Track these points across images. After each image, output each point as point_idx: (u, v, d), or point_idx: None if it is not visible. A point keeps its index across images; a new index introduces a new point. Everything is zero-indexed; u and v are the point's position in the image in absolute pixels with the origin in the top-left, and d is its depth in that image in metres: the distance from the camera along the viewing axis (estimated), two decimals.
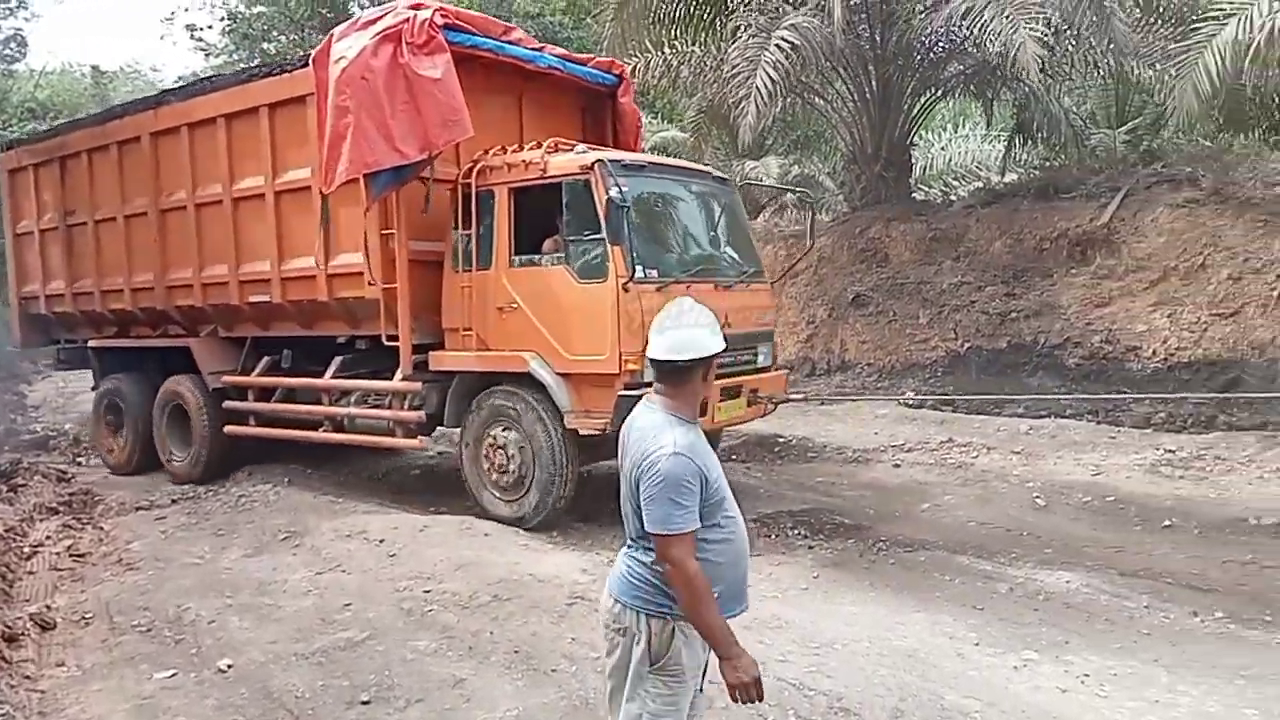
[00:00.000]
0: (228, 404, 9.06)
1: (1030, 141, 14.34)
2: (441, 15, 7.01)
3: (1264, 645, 4.83)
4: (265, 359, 8.98)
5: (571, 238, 6.86)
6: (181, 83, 14.30)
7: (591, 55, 9.19)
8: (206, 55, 25.01)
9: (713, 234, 7.84)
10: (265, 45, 22.87)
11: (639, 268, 6.53)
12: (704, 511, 2.51)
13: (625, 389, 6.53)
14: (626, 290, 6.52)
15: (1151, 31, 12.10)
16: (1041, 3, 10.18)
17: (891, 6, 12.43)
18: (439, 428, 7.83)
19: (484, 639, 4.85)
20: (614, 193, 6.39)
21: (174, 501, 8.49)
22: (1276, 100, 12.34)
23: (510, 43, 7.74)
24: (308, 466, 9.12)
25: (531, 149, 7.22)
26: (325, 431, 8.41)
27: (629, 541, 2.70)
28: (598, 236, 6.67)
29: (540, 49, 8.11)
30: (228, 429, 9.06)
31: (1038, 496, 7.79)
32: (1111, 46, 11.17)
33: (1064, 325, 10.66)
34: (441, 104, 6.82)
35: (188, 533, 7.39)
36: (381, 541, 6.51)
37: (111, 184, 9.75)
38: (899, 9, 12.31)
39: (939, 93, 14.09)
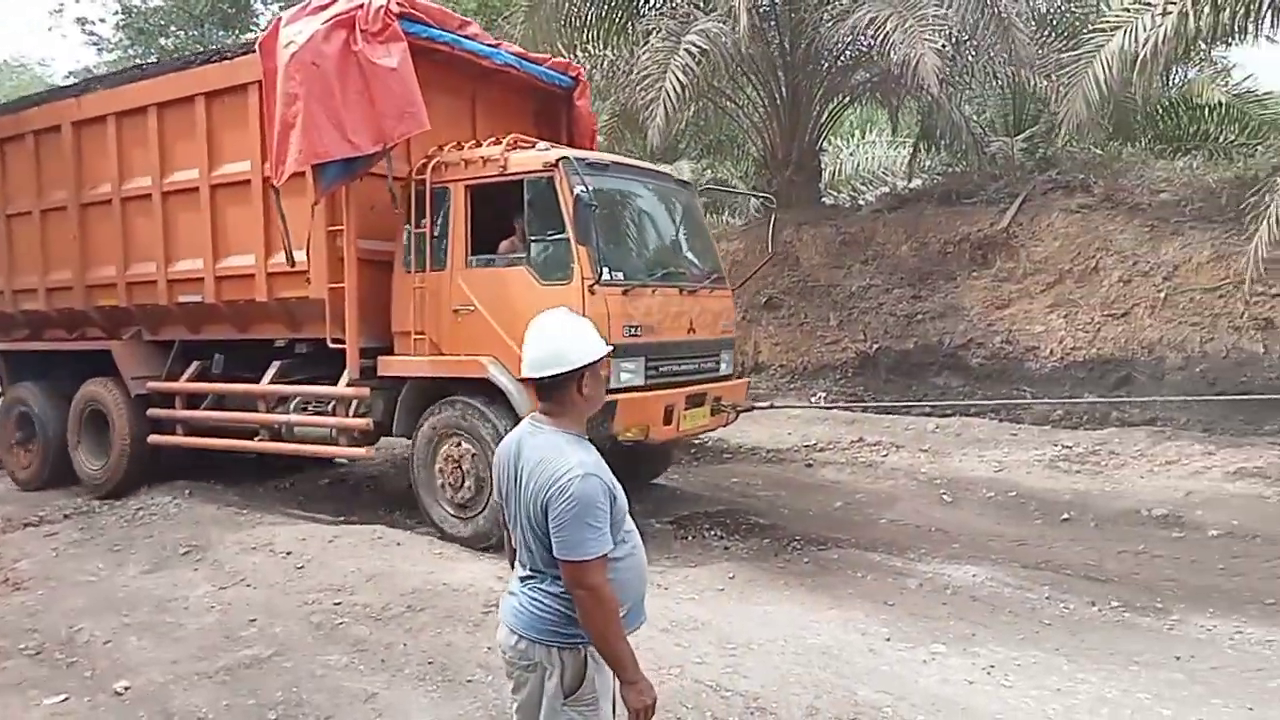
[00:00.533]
0: (152, 412, 8.49)
1: (934, 148, 14.77)
2: (398, 4, 6.71)
3: (1156, 632, 5.05)
4: (195, 364, 8.45)
5: (533, 238, 6.57)
6: (74, 78, 13.46)
7: (548, 55, 8.96)
8: (99, 50, 23.95)
9: (674, 237, 7.67)
10: (163, 41, 22.04)
11: (604, 269, 6.30)
12: (611, 529, 2.43)
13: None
14: (593, 292, 6.25)
15: (1045, 44, 12.58)
16: (942, 15, 10.49)
17: (800, 15, 12.65)
18: (383, 437, 7.55)
19: (397, 651, 4.74)
20: (581, 191, 6.18)
21: (66, 517, 8.07)
22: (1160, 110, 12.99)
23: (467, 37, 7.44)
24: (213, 478, 8.78)
25: (491, 144, 6.92)
26: (261, 440, 7.89)
27: (530, 572, 2.55)
28: (561, 236, 6.40)
29: (497, 45, 7.84)
30: (152, 438, 8.48)
31: (944, 493, 8.02)
32: (1010, 57, 11.57)
33: (967, 326, 11.00)
34: (397, 95, 6.53)
35: (80, 549, 7.03)
36: (289, 553, 6.31)
37: (27, 176, 9.10)
38: (807, 17, 12.53)
39: (846, 100, 14.39)
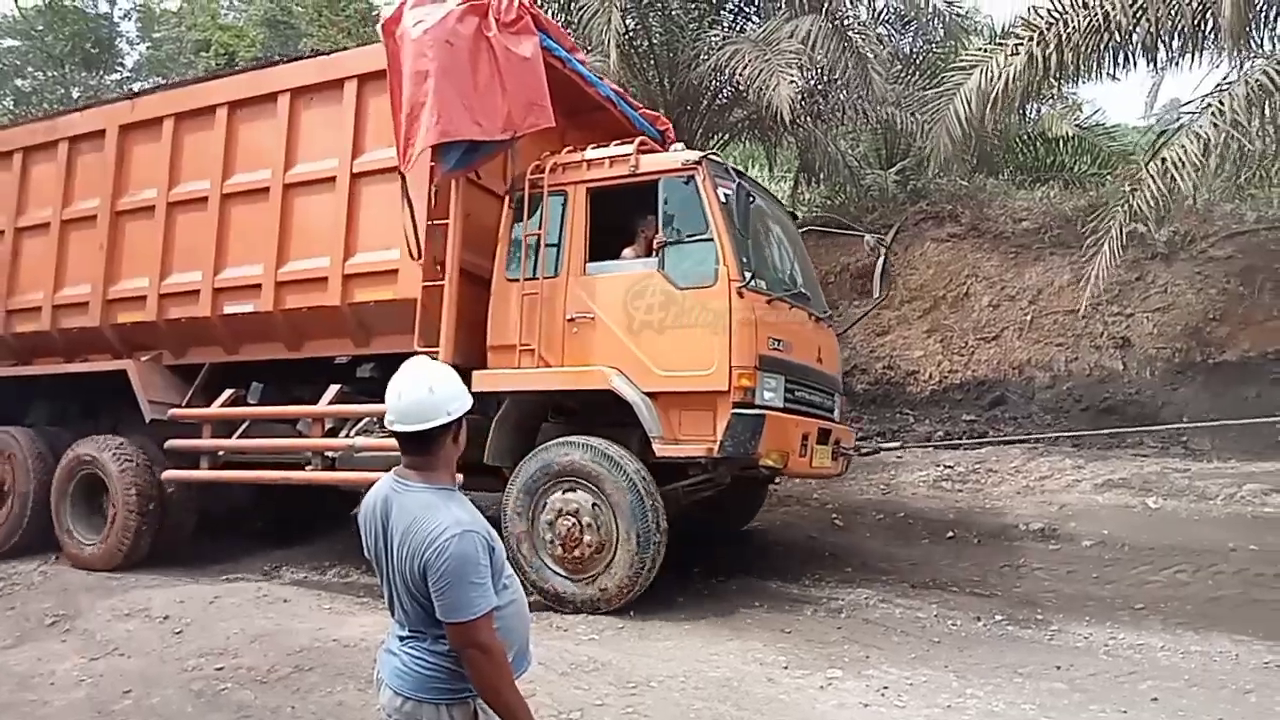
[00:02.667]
0: (173, 443, 7.47)
1: (813, 181, 15.26)
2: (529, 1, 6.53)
3: (1038, 643, 5.27)
4: (228, 392, 7.57)
5: (670, 240, 6.16)
6: None
7: (641, 105, 8.37)
8: None
9: (794, 263, 7.14)
10: (19, 82, 20.99)
11: (748, 274, 5.92)
12: (492, 580, 2.37)
13: (738, 407, 5.83)
14: (741, 296, 5.87)
15: (911, 82, 13.20)
16: (803, 51, 10.84)
17: (675, 54, 12.93)
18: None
19: (285, 715, 4.53)
20: (728, 191, 5.93)
21: None
22: (1019, 144, 13.77)
23: (579, 61, 7.13)
24: None
25: (619, 145, 6.53)
26: (313, 470, 7.01)
27: (410, 632, 2.45)
28: (704, 238, 6.03)
29: (601, 78, 7.50)
30: (167, 475, 7.45)
31: (836, 517, 8.21)
32: (868, 95, 12.04)
33: (851, 353, 11.34)
34: (529, 85, 6.27)
35: None
36: (166, 618, 5.98)
37: (51, 186, 8.39)
38: (680, 56, 12.82)
39: (726, 137, 14.75)
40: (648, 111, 8.12)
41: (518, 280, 6.47)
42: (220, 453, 7.42)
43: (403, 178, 6.44)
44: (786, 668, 4.98)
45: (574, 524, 6.00)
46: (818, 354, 6.71)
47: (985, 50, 11.08)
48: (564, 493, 6.05)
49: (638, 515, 5.84)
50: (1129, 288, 9.36)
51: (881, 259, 6.84)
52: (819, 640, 5.40)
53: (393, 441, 6.59)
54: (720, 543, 7.72)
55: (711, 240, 6.00)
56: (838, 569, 6.85)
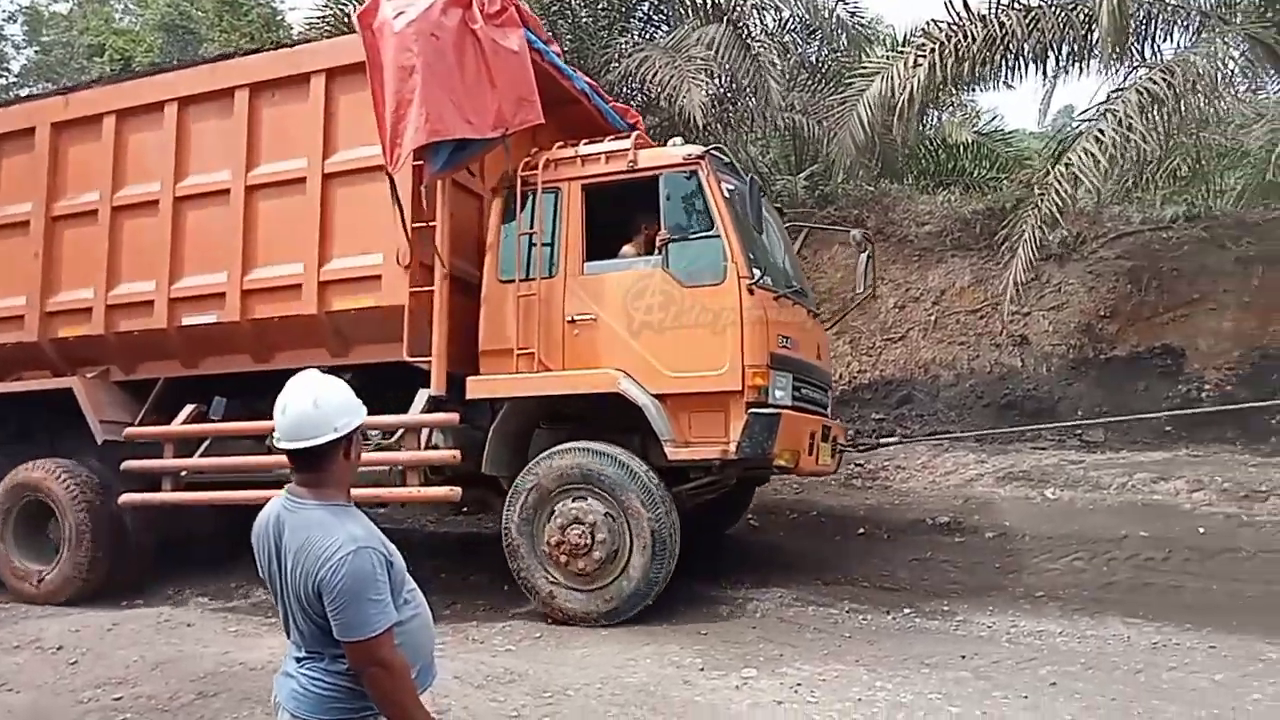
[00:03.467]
0: (131, 464, 6.93)
1: None
2: None
3: (944, 634, 5.43)
4: (189, 407, 7.07)
5: (674, 237, 5.99)
6: None
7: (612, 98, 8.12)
8: None
9: (786, 258, 7.01)
10: None
11: (757, 271, 5.83)
12: (392, 596, 2.33)
13: (753, 406, 5.71)
14: (751, 294, 5.75)
15: (816, 89, 13.48)
16: (709, 59, 10.99)
17: (585, 61, 12.96)
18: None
19: None
20: (730, 186, 5.79)
21: None
22: (921, 150, 14.18)
23: (555, 53, 6.86)
24: None
25: (614, 140, 6.37)
26: None
27: (306, 654, 2.39)
28: (710, 235, 5.90)
29: (574, 70, 7.26)
30: (125, 499, 6.91)
31: (751, 518, 8.31)
32: (766, 102, 12.24)
33: None
34: (518, 80, 6.02)
35: None
36: (59, 648, 5.71)
37: None
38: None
39: None
40: (618, 105, 7.92)
41: (512, 281, 6.24)
42: (183, 473, 6.99)
43: (390, 180, 6.08)
44: (703, 670, 5.02)
45: (585, 533, 5.82)
46: (817, 350, 6.70)
47: (887, 59, 11.40)
48: (573, 501, 5.87)
49: (653, 522, 5.72)
50: (1026, 288, 9.70)
51: (866, 253, 6.87)
52: (735, 641, 5.47)
53: (384, 455, 6.07)
54: (707, 547, 7.68)
55: (718, 237, 5.88)
56: (754, 569, 6.93)
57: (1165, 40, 10.24)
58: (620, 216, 6.25)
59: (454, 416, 6.11)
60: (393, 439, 6.36)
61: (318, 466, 2.37)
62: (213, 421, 7.01)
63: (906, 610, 5.81)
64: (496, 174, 6.60)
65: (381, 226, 6.26)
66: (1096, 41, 10.58)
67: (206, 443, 6.98)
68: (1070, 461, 8.29)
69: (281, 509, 2.41)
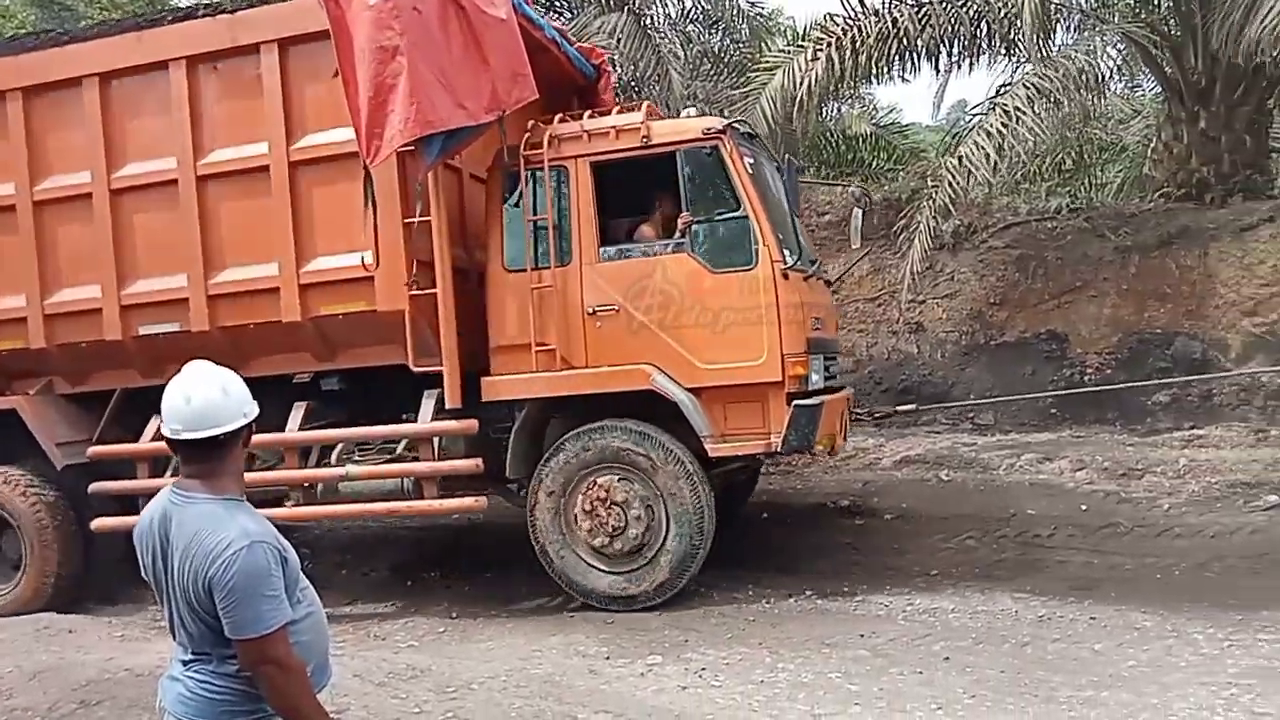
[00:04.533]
0: (100, 486, 6.32)
1: None
2: None
3: (844, 614, 5.55)
4: (159, 419, 6.35)
5: (698, 219, 5.65)
6: None
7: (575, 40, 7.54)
8: None
9: (796, 224, 6.48)
10: None
11: (786, 253, 5.52)
12: (286, 593, 2.25)
13: (796, 396, 5.49)
14: (786, 278, 5.47)
15: (720, 80, 13.60)
16: (609, 47, 10.95)
17: None
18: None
19: None
20: (751, 159, 5.51)
21: None
22: (822, 141, 14.45)
23: (525, 1, 6.22)
24: None
25: (620, 112, 5.93)
26: (295, 506, 6.12)
27: (193, 655, 2.30)
28: (737, 215, 5.56)
29: (543, 16, 6.70)
30: (98, 524, 6.26)
31: None
32: (666, 92, 12.31)
33: None
34: (510, 53, 5.49)
35: None
36: None
37: None
38: None
39: None
40: (583, 45, 7.41)
41: (521, 271, 5.78)
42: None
43: (367, 173, 5.50)
44: (609, 658, 5.04)
45: (619, 514, 5.62)
46: (833, 323, 6.50)
47: (787, 51, 11.57)
48: (609, 480, 5.64)
49: (689, 503, 5.55)
50: (921, 277, 9.99)
51: (860, 210, 6.83)
52: (641, 628, 5.49)
53: (393, 468, 5.76)
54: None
55: (746, 217, 5.56)
56: None
57: (1049, 38, 10.64)
58: (630, 194, 5.90)
59: (473, 424, 5.73)
60: (398, 448, 6.04)
61: (218, 457, 2.29)
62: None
63: (808, 592, 5.93)
64: (486, 150, 6.07)
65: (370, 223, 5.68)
66: (986, 37, 10.99)
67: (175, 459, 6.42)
68: (963, 444, 8.57)
69: (168, 504, 2.31)
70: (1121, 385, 8.62)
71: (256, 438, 6.24)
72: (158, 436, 6.12)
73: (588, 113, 6.14)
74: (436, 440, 5.89)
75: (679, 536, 5.59)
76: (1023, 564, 6.26)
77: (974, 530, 6.83)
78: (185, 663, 2.32)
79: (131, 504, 6.18)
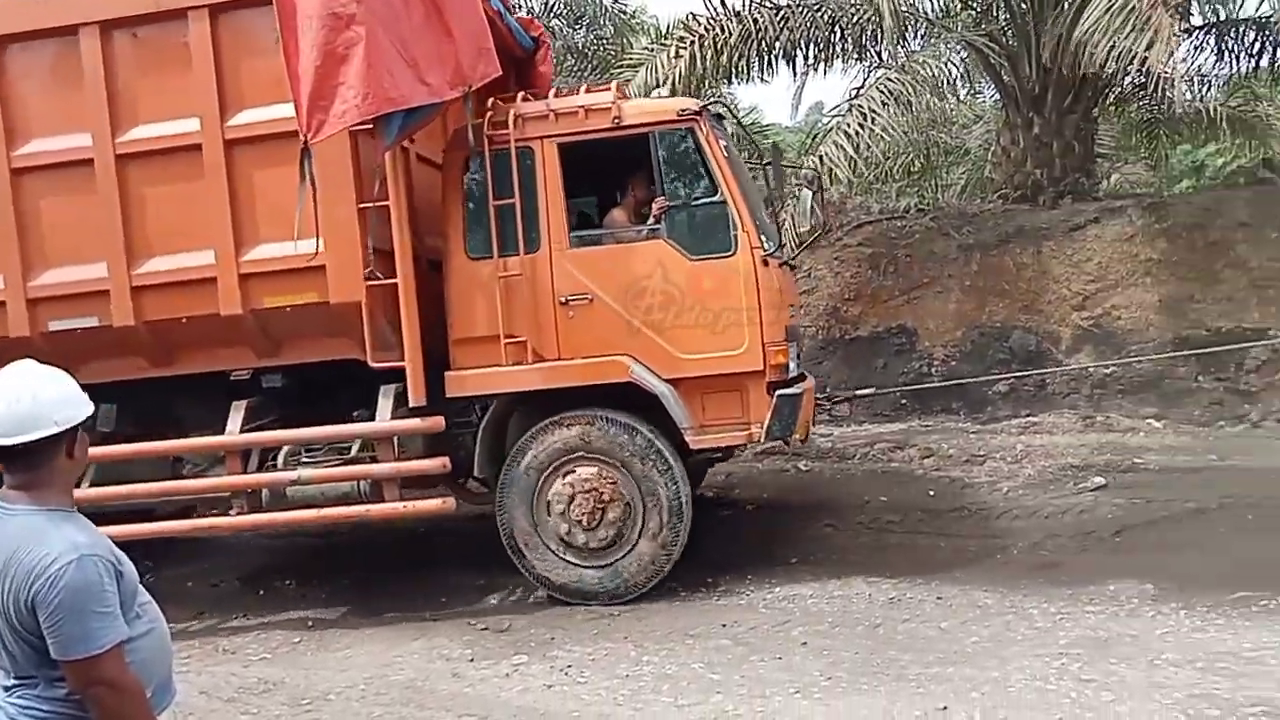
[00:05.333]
0: None
1: None
2: None
3: (707, 605, 5.64)
4: None
5: (674, 203, 5.46)
6: None
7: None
8: None
9: (763, 210, 6.31)
10: None
11: (764, 239, 5.40)
12: (122, 609, 2.11)
13: (778, 386, 5.40)
14: (766, 265, 5.38)
15: (585, 76, 13.60)
16: None
17: None
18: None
19: None
20: (724, 141, 5.39)
21: None
22: None
23: None
24: None
25: (590, 92, 5.68)
26: (239, 514, 5.67)
27: (16, 680, 2.12)
28: (716, 200, 5.40)
29: None
30: None
31: None
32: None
33: None
34: (473, 26, 5.18)
35: None
36: None
37: None
38: None
39: None
40: (522, 17, 7.12)
41: (485, 259, 5.49)
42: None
43: (305, 152, 4.95)
44: (472, 660, 4.97)
45: (594, 504, 5.46)
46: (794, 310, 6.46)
47: (651, 49, 11.68)
48: (584, 471, 5.47)
49: (667, 491, 5.45)
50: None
51: (810, 191, 6.92)
52: (505, 629, 5.43)
53: (351, 470, 5.44)
54: (393, 545, 7.51)
55: (725, 203, 5.44)
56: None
57: (899, 44, 11.13)
58: (597, 177, 5.77)
59: (440, 420, 5.47)
60: (351, 449, 5.72)
61: (34, 466, 2.12)
62: (103, 435, 5.62)
63: (672, 584, 5.98)
64: (432, 131, 5.76)
65: (321, 205, 5.12)
66: (839, 41, 11.39)
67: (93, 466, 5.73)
68: (819, 435, 8.85)
69: None
70: (968, 380, 9.10)
71: (198, 441, 5.73)
72: None
73: (553, 91, 5.96)
74: (396, 439, 5.63)
75: (657, 529, 5.50)
76: (876, 549, 6.51)
77: (830, 518, 7.05)
78: (8, 688, 2.15)
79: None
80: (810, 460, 8.33)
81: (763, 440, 5.62)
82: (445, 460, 5.52)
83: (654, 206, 5.59)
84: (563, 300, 5.50)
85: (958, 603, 5.24)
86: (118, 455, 5.72)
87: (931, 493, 7.32)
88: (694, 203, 5.59)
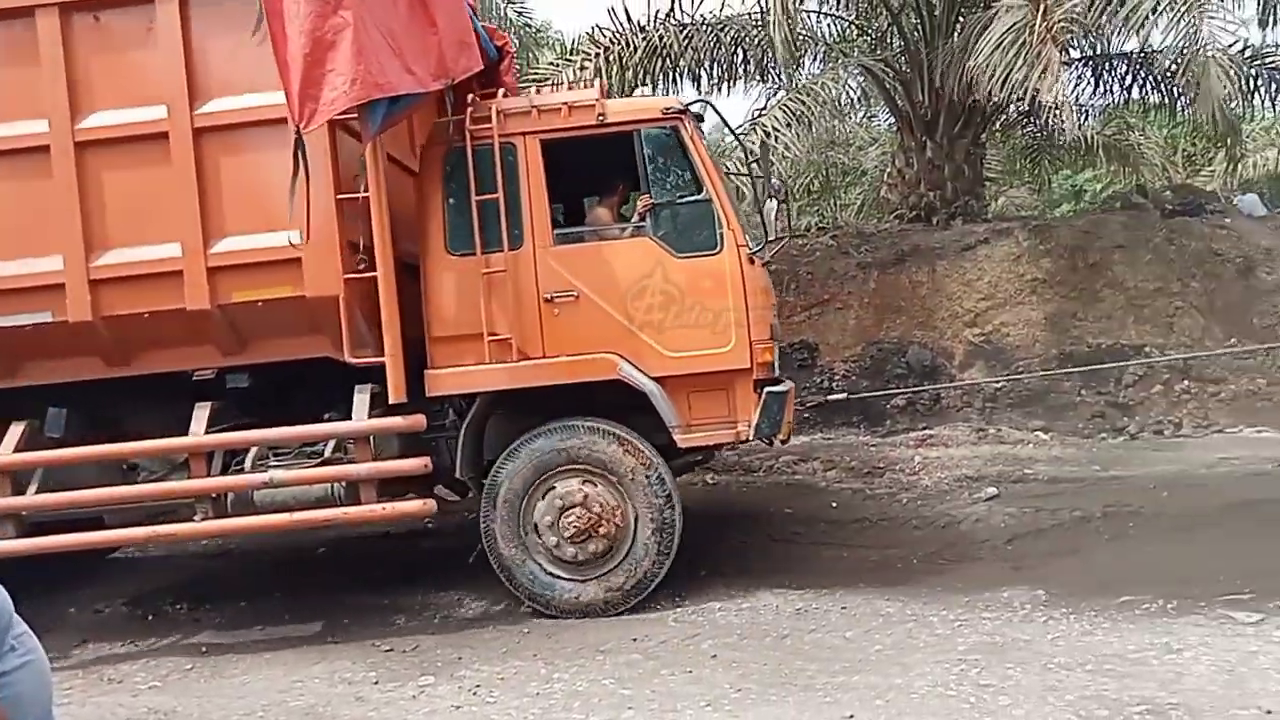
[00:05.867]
0: None
1: None
2: None
3: (618, 621, 5.58)
4: (18, 426, 5.49)
5: (662, 201, 5.48)
6: None
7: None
8: None
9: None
10: None
11: (748, 238, 5.48)
12: None
13: (766, 384, 5.46)
14: (753, 263, 5.45)
15: None
16: None
17: None
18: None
19: None
20: (703, 143, 5.47)
21: None
22: None
23: None
24: None
25: (574, 88, 5.79)
26: (203, 520, 5.42)
27: None
28: (701, 198, 5.44)
29: None
30: None
31: (429, 520, 8.11)
32: None
33: None
34: (457, 20, 5.23)
35: None
36: None
37: None
38: None
39: None
40: (488, 26, 7.06)
41: (466, 255, 5.45)
42: (24, 514, 5.50)
43: (298, 139, 4.84)
44: (377, 683, 4.82)
45: (585, 517, 5.39)
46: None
47: (556, 64, 11.68)
48: (572, 484, 5.43)
49: (658, 501, 5.42)
50: None
51: (776, 201, 6.60)
52: (412, 650, 5.30)
53: (326, 471, 5.30)
54: (293, 562, 7.29)
55: (709, 201, 5.49)
56: (428, 571, 6.76)
57: (799, 67, 11.43)
58: (576, 174, 5.78)
59: (421, 419, 5.38)
60: (325, 450, 5.54)
61: None
62: (53, 441, 5.54)
63: None
64: (396, 130, 5.65)
65: (298, 196, 4.99)
66: (741, 62, 11.63)
67: (39, 471, 5.55)
68: (725, 449, 8.94)
69: None
70: (866, 394, 9.37)
71: (165, 442, 5.43)
72: (21, 444, 5.47)
73: (534, 89, 6.06)
74: (372, 440, 5.47)
75: (650, 537, 5.48)
76: (782, 560, 6.61)
77: (738, 530, 7.15)
78: None
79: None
80: (716, 474, 8.42)
81: (751, 438, 5.65)
82: (427, 460, 5.42)
83: (639, 204, 5.65)
84: (547, 297, 5.48)
85: (861, 612, 5.35)
86: (71, 458, 5.50)
87: (834, 504, 7.48)
88: (679, 200, 5.62)
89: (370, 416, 5.40)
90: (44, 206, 5.38)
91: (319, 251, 5.20)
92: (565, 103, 5.62)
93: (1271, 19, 10.67)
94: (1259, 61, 11.32)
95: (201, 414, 5.51)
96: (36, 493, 5.47)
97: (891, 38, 12.06)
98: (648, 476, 5.45)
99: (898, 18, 11.43)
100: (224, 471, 5.57)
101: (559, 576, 5.54)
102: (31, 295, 5.39)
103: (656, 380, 5.48)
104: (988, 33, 8.86)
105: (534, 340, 5.48)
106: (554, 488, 5.48)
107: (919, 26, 11.37)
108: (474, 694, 4.58)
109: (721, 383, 5.54)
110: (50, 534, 5.55)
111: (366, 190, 5.22)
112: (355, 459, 5.49)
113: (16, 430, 5.53)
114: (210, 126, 5.35)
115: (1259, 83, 11.43)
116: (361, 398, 5.44)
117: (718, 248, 5.49)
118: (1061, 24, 8.50)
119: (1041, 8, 8.44)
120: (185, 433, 5.47)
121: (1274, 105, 12.01)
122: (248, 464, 5.57)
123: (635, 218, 5.71)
